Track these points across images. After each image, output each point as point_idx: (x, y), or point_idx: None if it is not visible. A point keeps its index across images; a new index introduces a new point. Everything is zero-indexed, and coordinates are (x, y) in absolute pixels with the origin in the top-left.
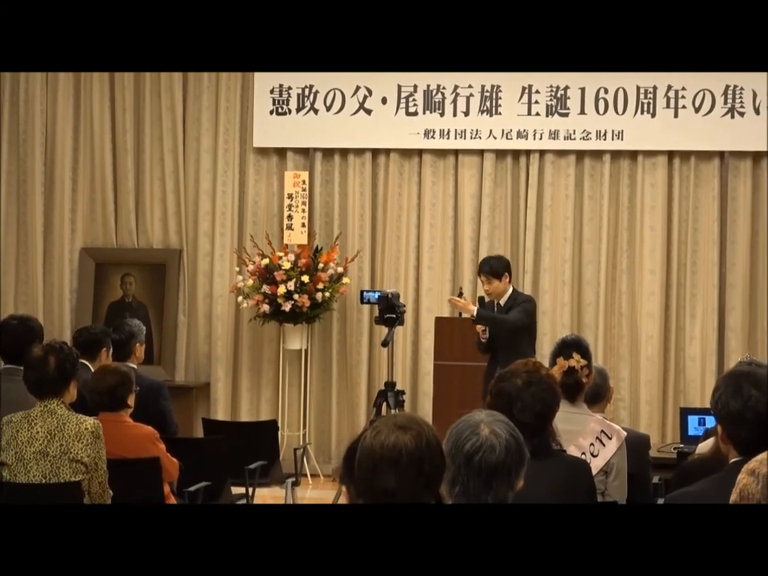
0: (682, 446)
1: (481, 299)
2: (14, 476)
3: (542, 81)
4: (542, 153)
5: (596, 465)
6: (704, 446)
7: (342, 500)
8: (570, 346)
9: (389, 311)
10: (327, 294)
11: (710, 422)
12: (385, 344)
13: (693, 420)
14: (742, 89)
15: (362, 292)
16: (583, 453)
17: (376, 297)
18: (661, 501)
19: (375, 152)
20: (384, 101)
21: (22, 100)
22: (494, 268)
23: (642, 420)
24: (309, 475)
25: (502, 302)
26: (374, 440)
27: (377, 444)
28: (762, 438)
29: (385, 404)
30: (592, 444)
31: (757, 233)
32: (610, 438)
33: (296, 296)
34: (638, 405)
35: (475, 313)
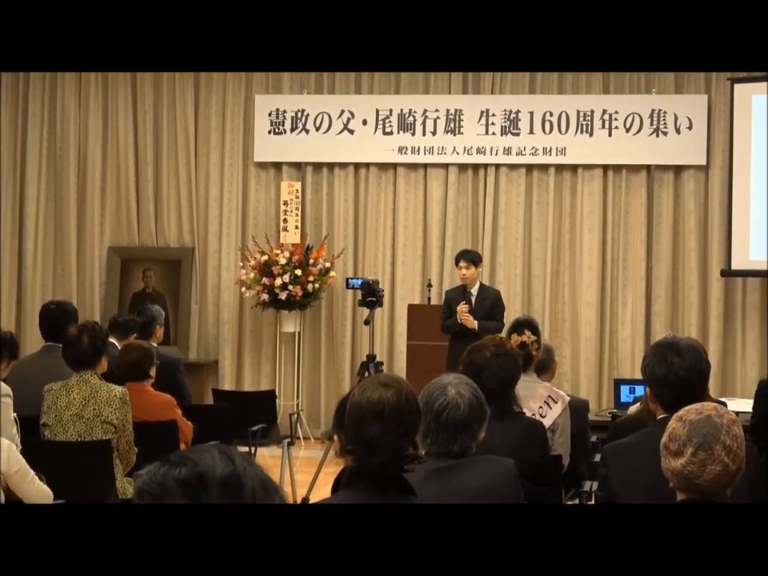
0: (615, 410)
1: (449, 293)
2: (54, 435)
3: (498, 105)
4: (498, 166)
5: (544, 424)
6: (634, 409)
7: (331, 454)
8: (523, 325)
9: (370, 295)
10: (317, 285)
11: (640, 390)
12: (367, 323)
13: (625, 389)
14: (665, 112)
15: (347, 279)
16: (533, 414)
17: (359, 283)
18: (598, 456)
19: (357, 166)
20: (364, 122)
21: (58, 121)
22: (473, 257)
23: (582, 392)
24: (302, 438)
25: (474, 291)
26: (361, 396)
27: (363, 399)
28: (682, 397)
29: (367, 372)
30: (541, 407)
31: (678, 233)
32: (556, 402)
33: (290, 287)
34: (578, 379)
35: (477, 326)
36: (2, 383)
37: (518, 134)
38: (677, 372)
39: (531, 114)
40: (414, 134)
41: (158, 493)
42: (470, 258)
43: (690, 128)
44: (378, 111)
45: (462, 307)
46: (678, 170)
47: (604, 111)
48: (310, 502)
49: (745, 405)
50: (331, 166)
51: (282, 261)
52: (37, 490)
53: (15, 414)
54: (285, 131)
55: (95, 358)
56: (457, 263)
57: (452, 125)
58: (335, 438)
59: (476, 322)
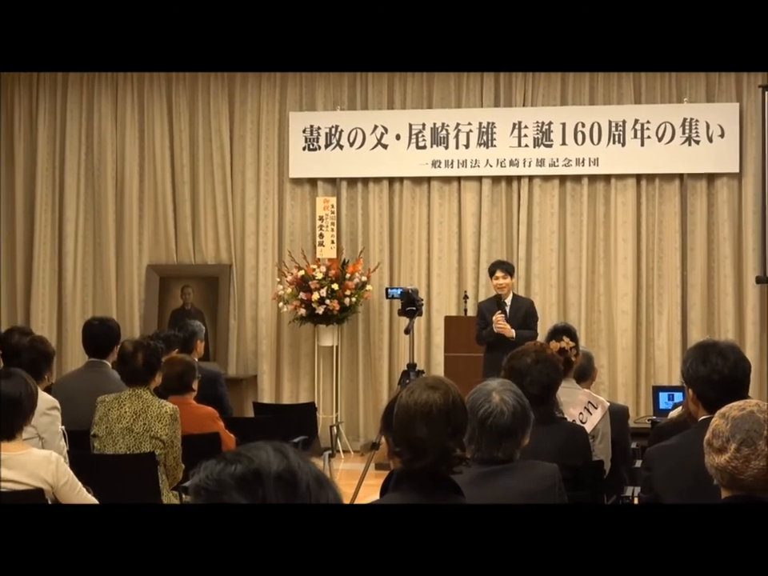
0: (654, 417)
1: (483, 304)
2: (104, 447)
3: (530, 117)
4: (531, 178)
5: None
6: (675, 413)
7: (372, 466)
8: (561, 332)
9: (410, 304)
10: (354, 299)
11: (679, 397)
12: (407, 332)
13: (663, 396)
14: (697, 121)
15: (386, 289)
16: (573, 420)
17: (399, 292)
18: (639, 462)
19: (391, 180)
20: (398, 137)
21: (95, 142)
22: (508, 267)
23: (620, 401)
24: (341, 451)
25: (507, 301)
26: (408, 398)
27: (411, 401)
28: (726, 396)
29: (408, 381)
30: (581, 413)
31: (712, 241)
32: (596, 408)
33: (327, 301)
34: (615, 388)
35: (515, 334)
36: (48, 395)
37: (550, 146)
38: (721, 371)
39: (563, 125)
40: (447, 148)
41: (215, 489)
42: (506, 268)
43: (722, 136)
44: (410, 126)
45: (498, 316)
46: (711, 178)
47: (636, 121)
48: None
49: None
50: (366, 180)
51: (319, 275)
52: (85, 502)
53: (63, 427)
54: (319, 147)
55: (149, 375)
56: (492, 273)
57: (485, 137)
58: (383, 440)
59: (513, 330)
